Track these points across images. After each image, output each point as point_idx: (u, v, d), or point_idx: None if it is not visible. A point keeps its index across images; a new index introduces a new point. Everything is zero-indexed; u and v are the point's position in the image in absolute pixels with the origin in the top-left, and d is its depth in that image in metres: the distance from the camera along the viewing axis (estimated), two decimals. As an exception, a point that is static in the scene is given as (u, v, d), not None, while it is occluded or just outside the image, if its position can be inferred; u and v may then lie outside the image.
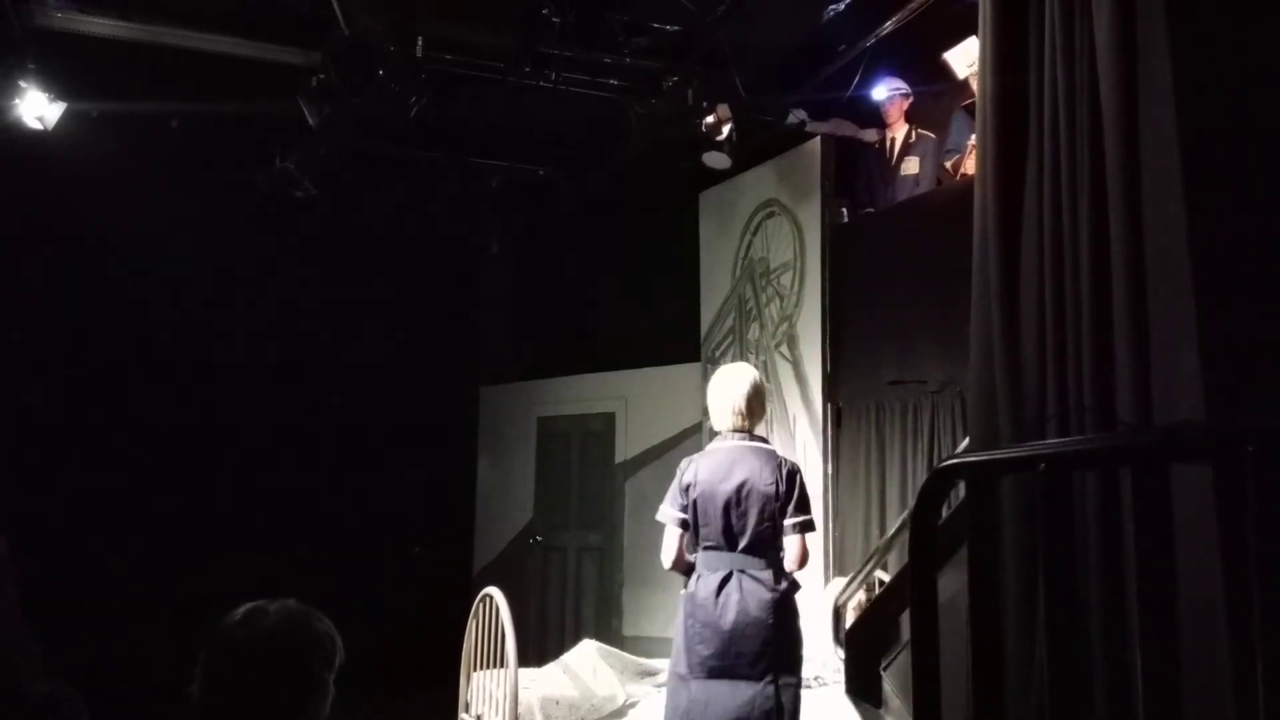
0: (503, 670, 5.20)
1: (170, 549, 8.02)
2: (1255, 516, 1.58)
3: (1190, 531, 2.35)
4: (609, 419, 9.06)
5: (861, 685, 4.46)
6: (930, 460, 5.96)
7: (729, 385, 4.13)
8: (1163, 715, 1.71)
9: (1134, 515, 1.77)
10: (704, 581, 4.03)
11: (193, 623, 2.49)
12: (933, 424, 6.01)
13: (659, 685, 5.79)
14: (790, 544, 4.01)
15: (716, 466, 4.05)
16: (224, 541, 8.16)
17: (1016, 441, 3.16)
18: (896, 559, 5.33)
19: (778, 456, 4.11)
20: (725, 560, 3.99)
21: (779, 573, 4.03)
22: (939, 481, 2.04)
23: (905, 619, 4.14)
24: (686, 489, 4.08)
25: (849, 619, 5.10)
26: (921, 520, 2.08)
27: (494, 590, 5.49)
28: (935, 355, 5.90)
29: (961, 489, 2.02)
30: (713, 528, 4.01)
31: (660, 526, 4.18)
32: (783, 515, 3.98)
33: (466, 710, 5.65)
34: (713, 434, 4.29)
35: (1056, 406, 3.07)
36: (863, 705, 4.40)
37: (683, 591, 4.17)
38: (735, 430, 4.10)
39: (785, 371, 7.28)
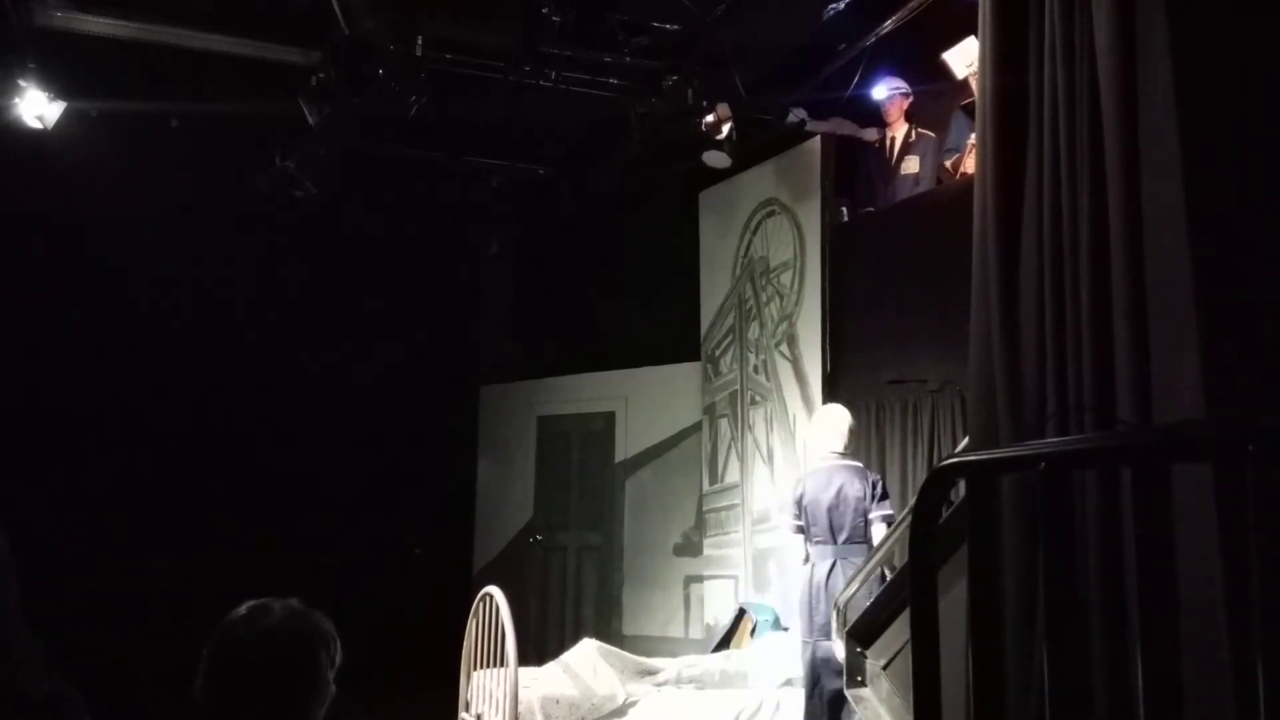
0: (503, 669, 5.20)
1: (169, 548, 8.01)
2: (1255, 516, 1.58)
3: (1190, 531, 2.36)
4: (609, 418, 9.06)
5: (861, 683, 4.46)
6: (930, 459, 5.96)
7: (833, 422, 5.50)
8: (1163, 715, 1.71)
9: (1134, 514, 1.77)
10: (818, 568, 5.26)
11: (192, 622, 2.49)
12: (933, 423, 6.01)
13: (659, 685, 5.80)
14: (876, 529, 5.19)
15: (819, 481, 5.34)
16: (223, 541, 8.16)
17: (1016, 440, 3.16)
18: (897, 557, 5.34)
19: (865, 471, 5.42)
20: (830, 551, 5.24)
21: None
22: (939, 480, 2.05)
23: (906, 617, 4.15)
24: (798, 501, 5.37)
25: (850, 617, 5.10)
26: (921, 519, 2.08)
27: (494, 589, 5.49)
28: (935, 354, 5.90)
29: (962, 488, 2.02)
30: (820, 526, 5.29)
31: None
32: (869, 510, 5.26)
33: (467, 709, 5.65)
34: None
35: (1056, 405, 3.07)
36: (862, 702, 4.40)
37: (803, 573, 5.40)
38: (834, 453, 5.40)
39: (785, 370, 7.28)
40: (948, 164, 6.86)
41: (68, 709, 2.02)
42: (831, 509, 5.26)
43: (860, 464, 5.50)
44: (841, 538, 5.24)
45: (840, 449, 5.44)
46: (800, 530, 5.39)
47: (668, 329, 8.68)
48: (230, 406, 8.71)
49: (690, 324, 8.35)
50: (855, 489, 5.28)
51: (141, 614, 7.44)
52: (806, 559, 5.39)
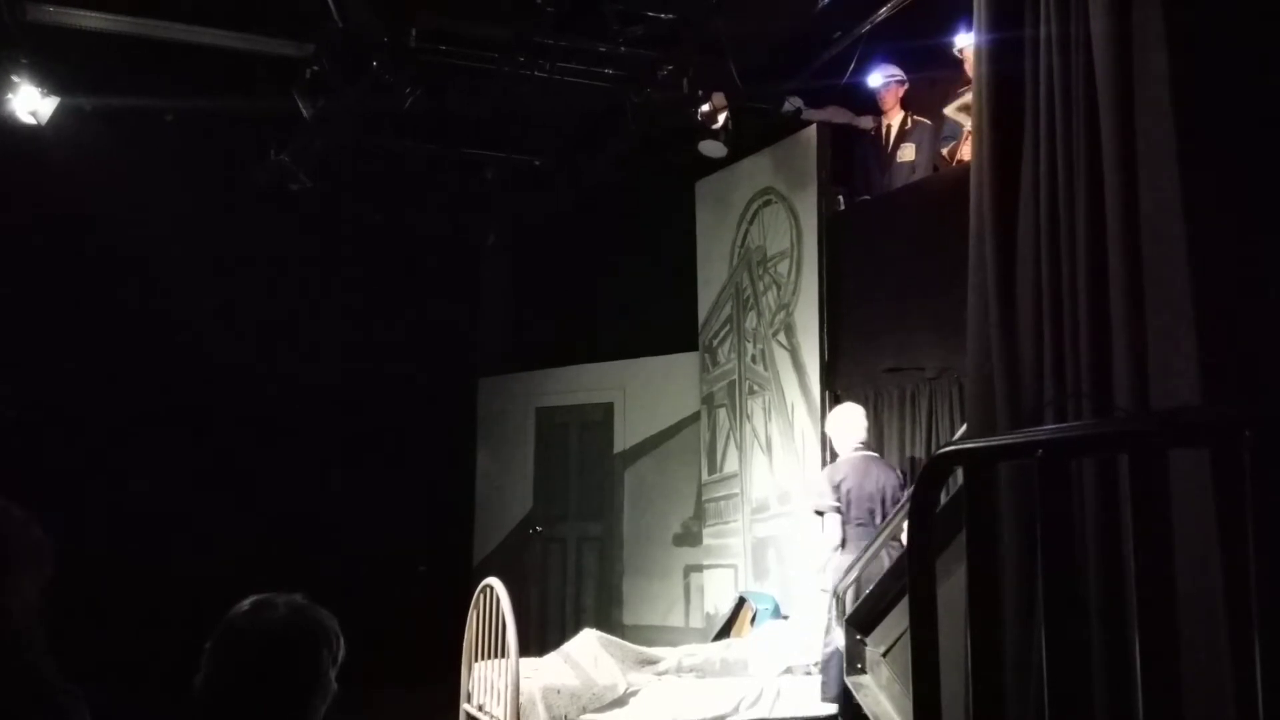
0: (504, 660, 5.21)
1: (169, 541, 8.01)
2: (1253, 501, 1.59)
3: (1188, 516, 2.36)
4: (608, 409, 9.06)
5: (861, 669, 4.48)
6: (928, 446, 5.97)
7: (856, 417, 5.86)
8: (1161, 697, 1.72)
9: (1131, 500, 1.78)
10: (857, 548, 5.43)
11: (195, 616, 2.50)
12: (930, 411, 6.02)
13: (659, 674, 5.81)
14: None
15: (858, 471, 5.65)
16: (223, 534, 8.15)
17: (1014, 427, 3.17)
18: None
19: (889, 462, 5.87)
20: (870, 533, 5.40)
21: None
22: (937, 468, 2.05)
23: (905, 605, 4.16)
24: (837, 486, 5.62)
25: (850, 604, 5.12)
26: (919, 506, 2.08)
27: (494, 581, 5.50)
28: (932, 342, 5.91)
29: (960, 475, 2.03)
30: (860, 512, 5.57)
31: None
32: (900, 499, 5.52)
33: (468, 700, 5.67)
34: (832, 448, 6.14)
35: (1054, 392, 3.08)
36: (862, 688, 4.42)
37: (838, 554, 5.54)
38: (861, 444, 5.77)
39: (783, 360, 7.28)
40: (944, 151, 6.85)
41: (68, 703, 2.03)
42: (871, 497, 5.59)
43: (882, 457, 5.91)
44: (878, 520, 5.55)
45: (864, 440, 5.83)
46: (838, 511, 5.62)
47: (665, 319, 8.68)
48: (227, 399, 8.70)
49: (688, 314, 8.35)
50: (891, 480, 5.67)
51: (143, 609, 7.44)
52: (843, 543, 5.57)
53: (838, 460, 5.87)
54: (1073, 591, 2.52)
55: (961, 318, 3.61)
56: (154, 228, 7.92)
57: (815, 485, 5.89)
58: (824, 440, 6.84)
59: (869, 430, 5.90)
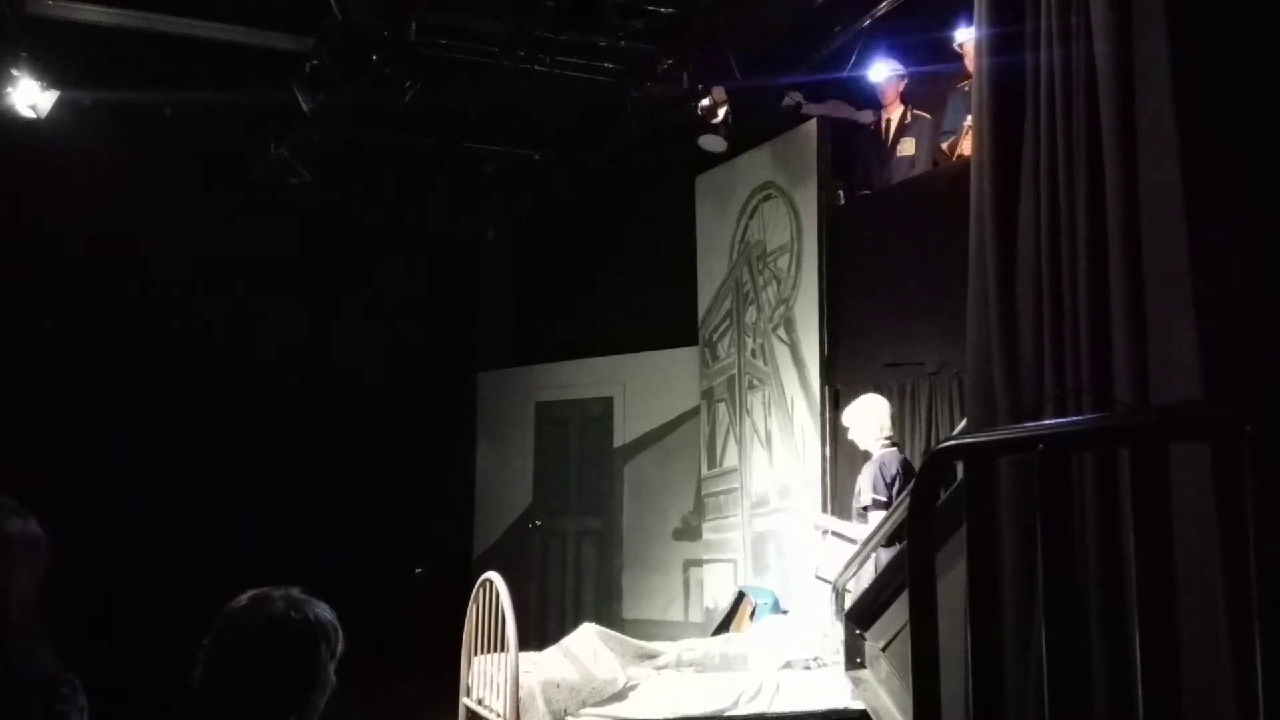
0: (503, 654, 5.22)
1: (169, 535, 8.01)
2: (1253, 495, 1.59)
3: (1188, 511, 2.36)
4: (607, 403, 9.06)
5: (860, 664, 4.48)
6: (928, 441, 5.97)
7: (882, 411, 5.69)
8: (1161, 691, 1.72)
9: (1132, 495, 1.78)
10: None
11: (193, 610, 2.49)
12: (930, 405, 6.02)
13: (659, 668, 5.81)
14: None
15: (904, 469, 5.55)
16: (223, 528, 8.15)
17: (1014, 422, 3.17)
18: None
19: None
20: None
21: None
22: (937, 462, 2.05)
23: (905, 599, 4.16)
24: (891, 483, 5.48)
25: (849, 599, 5.12)
26: (919, 501, 2.08)
27: (494, 575, 5.50)
28: (933, 336, 5.90)
29: (960, 469, 2.03)
30: None
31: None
32: None
33: (468, 694, 5.67)
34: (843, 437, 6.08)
35: (1054, 387, 3.08)
36: (861, 684, 4.42)
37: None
38: (889, 439, 5.63)
39: (783, 354, 7.28)
40: (944, 146, 6.84)
41: (66, 693, 2.03)
42: None
43: None
44: None
45: (890, 435, 5.71)
46: (887, 508, 5.50)
47: (665, 314, 8.68)
48: (227, 395, 8.69)
49: (688, 309, 8.34)
50: None
51: (142, 603, 7.45)
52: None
53: (883, 455, 5.67)
54: (1073, 586, 2.52)
55: (961, 312, 3.61)
56: (152, 222, 7.91)
57: (869, 480, 5.65)
58: (824, 435, 6.84)
59: (892, 422, 5.75)
